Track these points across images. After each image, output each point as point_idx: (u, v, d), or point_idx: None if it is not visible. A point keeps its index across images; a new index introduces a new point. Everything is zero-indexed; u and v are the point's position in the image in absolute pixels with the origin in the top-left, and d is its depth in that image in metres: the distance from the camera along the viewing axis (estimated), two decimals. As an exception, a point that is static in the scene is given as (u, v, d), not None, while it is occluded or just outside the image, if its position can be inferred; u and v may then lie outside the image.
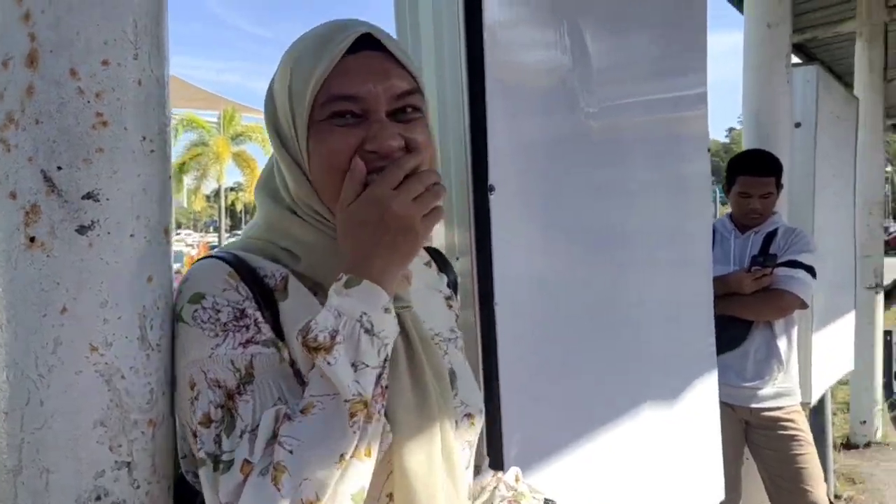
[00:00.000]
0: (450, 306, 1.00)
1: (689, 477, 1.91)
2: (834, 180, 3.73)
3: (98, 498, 0.72)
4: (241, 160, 30.41)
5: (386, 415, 0.76)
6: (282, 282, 0.82)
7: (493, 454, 1.27)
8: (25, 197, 0.70)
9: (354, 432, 0.70)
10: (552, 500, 1.05)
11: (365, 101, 0.78)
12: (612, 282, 1.67)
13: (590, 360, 1.58)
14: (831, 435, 4.19)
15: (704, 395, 2.01)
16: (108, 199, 0.71)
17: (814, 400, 3.44)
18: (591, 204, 1.61)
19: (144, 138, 0.74)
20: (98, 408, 0.71)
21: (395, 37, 0.85)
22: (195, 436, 0.74)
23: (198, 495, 0.77)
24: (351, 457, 0.71)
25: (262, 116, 0.88)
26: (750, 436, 2.66)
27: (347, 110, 0.78)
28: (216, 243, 28.03)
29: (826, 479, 3.04)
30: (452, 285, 1.03)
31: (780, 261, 2.53)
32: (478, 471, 1.03)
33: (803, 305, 2.56)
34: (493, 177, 1.30)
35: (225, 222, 36.05)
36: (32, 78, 0.69)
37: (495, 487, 1.02)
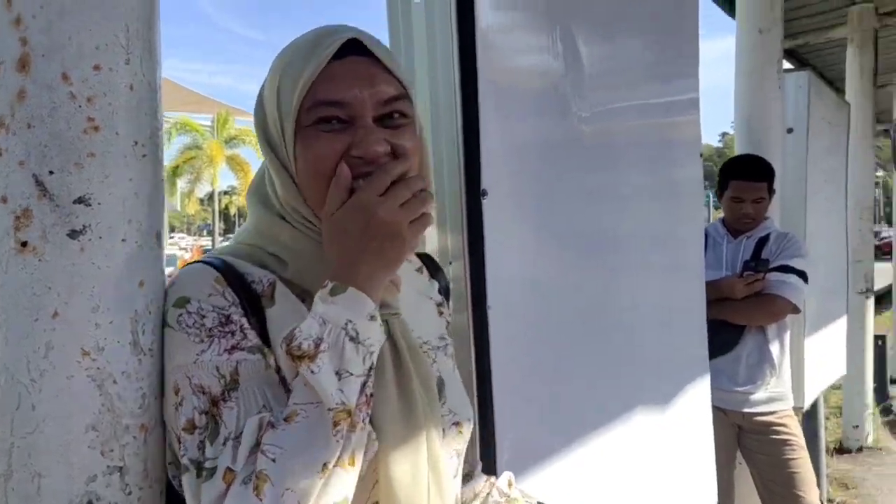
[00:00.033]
0: (440, 313, 0.99)
1: (681, 481, 1.91)
2: (825, 185, 3.74)
3: (90, 503, 0.71)
4: (234, 164, 30.38)
5: (372, 423, 0.75)
6: (269, 288, 0.81)
7: (485, 458, 1.27)
8: (17, 201, 0.69)
9: (338, 441, 0.70)
10: (544, 505, 1.05)
11: (351, 107, 0.78)
12: (604, 286, 1.67)
13: (582, 364, 1.58)
14: (824, 439, 4.20)
15: (697, 399, 2.01)
16: (99, 204, 0.71)
17: (806, 404, 3.44)
18: (584, 208, 1.61)
19: (136, 143, 0.74)
20: (90, 412, 0.71)
21: (387, 41, 0.85)
22: (179, 442, 0.73)
23: (186, 501, 0.76)
24: (334, 466, 0.70)
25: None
26: (742, 440, 2.66)
27: (333, 116, 0.78)
28: (210, 247, 27.97)
29: (819, 484, 3.05)
30: (444, 291, 1.02)
31: (772, 266, 2.54)
32: (470, 476, 1.03)
33: (795, 310, 2.57)
34: (486, 181, 1.30)
35: (218, 226, 36.00)
36: (24, 82, 0.69)
37: (488, 493, 1.02)
